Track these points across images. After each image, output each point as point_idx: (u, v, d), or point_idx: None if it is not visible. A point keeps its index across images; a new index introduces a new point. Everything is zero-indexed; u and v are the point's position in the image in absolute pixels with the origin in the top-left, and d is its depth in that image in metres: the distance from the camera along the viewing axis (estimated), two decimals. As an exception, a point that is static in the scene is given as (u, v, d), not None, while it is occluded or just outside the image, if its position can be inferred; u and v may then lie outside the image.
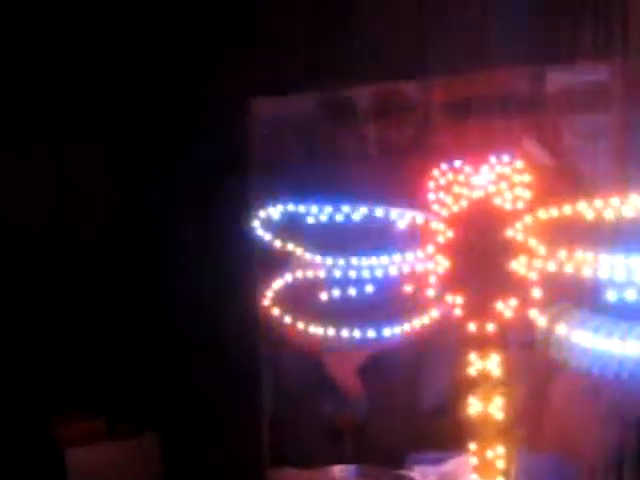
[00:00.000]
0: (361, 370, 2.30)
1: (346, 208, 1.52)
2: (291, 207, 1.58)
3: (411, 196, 1.49)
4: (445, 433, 2.18)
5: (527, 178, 1.37)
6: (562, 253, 1.35)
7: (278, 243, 1.59)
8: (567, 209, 1.34)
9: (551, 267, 1.36)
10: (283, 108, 2.47)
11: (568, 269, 1.34)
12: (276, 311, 1.60)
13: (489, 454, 1.41)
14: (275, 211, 1.59)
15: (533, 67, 2.20)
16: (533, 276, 1.37)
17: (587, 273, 1.33)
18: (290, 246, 1.58)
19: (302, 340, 2.23)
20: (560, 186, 1.65)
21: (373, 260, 1.51)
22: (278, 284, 1.60)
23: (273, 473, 1.74)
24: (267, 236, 1.60)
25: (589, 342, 1.31)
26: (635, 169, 2.25)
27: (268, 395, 1.98)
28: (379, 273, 1.50)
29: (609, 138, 2.33)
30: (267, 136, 2.34)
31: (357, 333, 1.53)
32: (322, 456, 2.01)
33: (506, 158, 1.38)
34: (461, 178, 1.41)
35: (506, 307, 1.38)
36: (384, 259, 1.50)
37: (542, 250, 1.36)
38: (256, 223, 1.61)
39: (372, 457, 1.99)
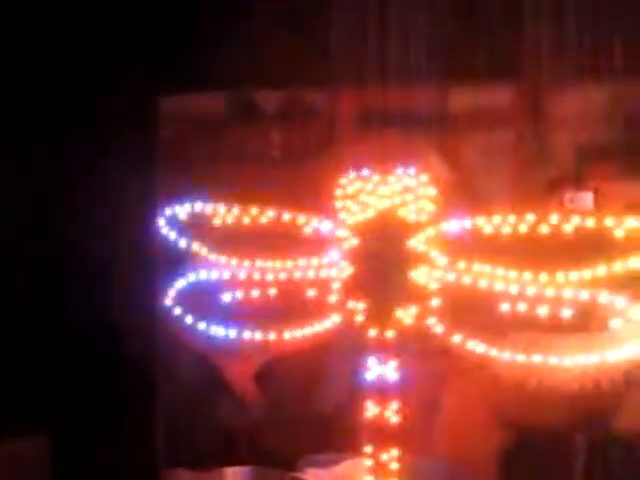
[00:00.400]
0: (257, 375, 2.31)
1: (254, 210, 1.54)
2: (198, 206, 1.57)
3: (316, 202, 1.51)
4: (339, 437, 2.23)
5: (432, 191, 1.42)
6: (461, 265, 1.41)
7: (183, 243, 1.59)
8: (467, 223, 1.41)
9: (450, 278, 1.42)
10: (190, 108, 2.45)
11: (466, 280, 1.41)
12: (177, 311, 1.59)
13: (384, 456, 1.45)
14: (182, 210, 1.58)
15: (435, 84, 2.27)
16: (433, 285, 1.42)
17: (483, 285, 1.39)
18: (195, 246, 1.58)
19: (199, 343, 2.23)
20: (459, 200, 1.71)
21: (278, 263, 1.53)
22: (181, 284, 1.59)
23: (167, 475, 1.72)
24: (172, 235, 1.59)
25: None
26: (532, 185, 2.35)
27: (164, 397, 1.96)
28: (283, 276, 1.52)
29: (507, 154, 2.44)
30: (173, 136, 2.32)
31: (258, 335, 1.54)
32: (216, 459, 2.00)
33: (412, 171, 1.43)
34: (369, 187, 1.45)
35: (406, 315, 1.43)
36: (289, 263, 1.52)
37: (442, 261, 1.42)
38: (161, 222, 1.60)
39: (267, 461, 2.00)
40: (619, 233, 1.30)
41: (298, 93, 2.48)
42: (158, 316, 1.64)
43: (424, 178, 1.42)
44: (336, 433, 2.23)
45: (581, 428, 2.05)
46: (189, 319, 1.58)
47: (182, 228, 1.58)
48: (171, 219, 1.59)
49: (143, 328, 1.68)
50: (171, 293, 1.59)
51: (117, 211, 1.69)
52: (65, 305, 1.75)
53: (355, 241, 1.46)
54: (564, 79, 2.24)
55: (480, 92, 2.34)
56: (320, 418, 2.29)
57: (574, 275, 1.34)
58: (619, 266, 1.31)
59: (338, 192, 1.47)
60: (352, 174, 1.46)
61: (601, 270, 1.32)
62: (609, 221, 1.31)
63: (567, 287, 1.33)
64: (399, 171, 1.43)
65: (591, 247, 1.33)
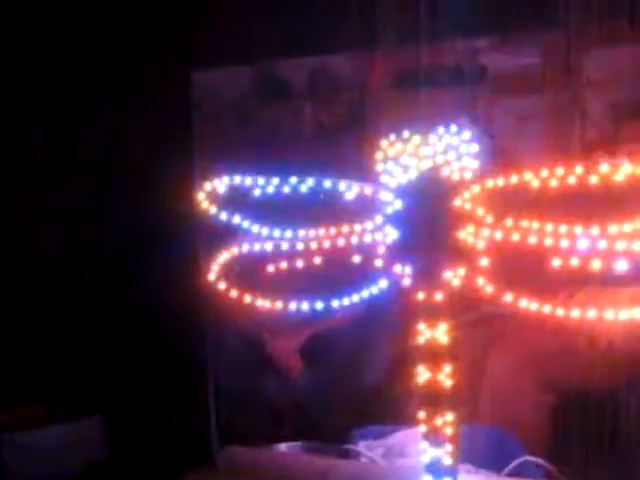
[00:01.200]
0: (303, 349, 2.31)
1: (293, 180, 1.52)
2: (237, 179, 1.56)
3: (355, 169, 1.49)
4: (388, 408, 2.22)
5: (474, 148, 1.39)
6: (508, 222, 1.38)
7: (224, 216, 1.58)
8: (513, 178, 1.37)
9: (498, 236, 1.39)
10: (219, 86, 2.44)
11: (514, 238, 1.38)
12: (222, 285, 1.58)
13: (438, 421, 1.43)
14: (220, 184, 1.57)
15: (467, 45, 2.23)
16: (480, 245, 1.39)
17: (532, 241, 1.37)
18: (236, 219, 1.57)
19: (245, 319, 2.23)
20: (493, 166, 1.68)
21: (321, 232, 1.51)
22: (224, 258, 1.58)
23: (222, 453, 1.72)
24: (212, 209, 1.58)
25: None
26: (566, 148, 2.31)
27: (213, 375, 1.96)
28: (327, 244, 1.50)
29: (542, 119, 2.40)
30: (203, 113, 2.32)
31: (305, 306, 1.53)
32: (264, 436, 2.00)
33: (453, 128, 1.40)
34: (410, 148, 1.42)
35: (454, 276, 1.40)
36: (332, 230, 1.50)
37: (489, 219, 1.39)
38: (201, 196, 1.59)
39: (315, 436, 1.99)
40: (670, 179, 1.27)
41: (325, 67, 2.46)
42: (203, 292, 1.63)
43: (466, 135, 1.39)
44: (383, 405, 2.23)
45: (632, 390, 2.03)
46: (234, 293, 1.57)
47: (222, 202, 1.58)
48: (210, 193, 1.58)
49: (190, 305, 1.67)
50: (215, 267, 1.59)
51: (153, 188, 1.68)
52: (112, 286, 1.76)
53: (399, 204, 1.44)
54: (596, 38, 2.20)
55: (514, 53, 2.30)
56: (367, 390, 2.29)
57: (627, 226, 1.31)
58: (673, 214, 1.28)
59: (378, 155, 1.45)
60: (392, 136, 1.44)
61: (654, 219, 1.29)
62: (660, 167, 1.27)
63: (620, 239, 1.30)
64: (440, 130, 1.41)
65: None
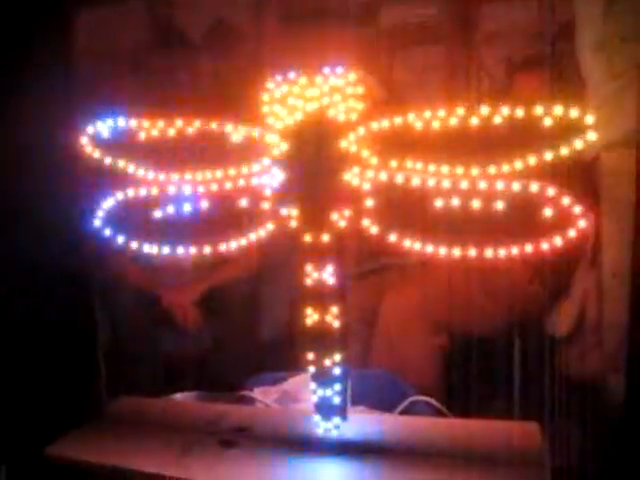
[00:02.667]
0: (199, 303, 2.29)
1: (179, 122, 1.49)
2: (121, 122, 1.52)
3: (243, 110, 1.47)
4: (288, 358, 2.23)
5: (360, 90, 1.39)
6: (393, 163, 1.40)
7: (108, 160, 1.53)
8: (398, 120, 1.39)
9: (383, 177, 1.40)
10: (115, 31, 2.36)
11: (399, 179, 1.39)
12: (108, 232, 1.54)
13: (327, 362, 1.45)
14: (104, 127, 1.52)
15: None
16: (366, 186, 1.40)
17: (416, 183, 1.38)
18: (121, 163, 1.53)
19: (139, 275, 2.19)
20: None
21: (207, 175, 1.49)
22: (109, 204, 1.54)
23: (112, 403, 1.70)
24: (96, 153, 1.54)
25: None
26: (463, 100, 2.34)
27: (104, 330, 1.92)
28: (214, 188, 1.48)
29: (439, 71, 2.42)
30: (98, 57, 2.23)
31: (193, 250, 1.51)
32: (163, 389, 1.98)
33: (339, 70, 1.39)
34: (296, 90, 1.41)
35: (340, 217, 1.41)
36: (219, 173, 1.48)
37: (374, 161, 1.40)
38: (83, 140, 1.54)
39: (213, 388, 1.99)
40: (548, 122, 1.30)
41: (222, 18, 2.41)
42: (89, 240, 1.59)
43: (352, 77, 1.39)
44: (283, 355, 2.25)
45: (517, 332, 2.10)
46: (120, 239, 1.54)
47: (106, 146, 1.53)
48: (93, 137, 1.53)
49: (75, 257, 1.62)
50: (99, 214, 1.55)
51: (35, 132, 1.61)
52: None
53: (285, 146, 1.43)
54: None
55: (410, 6, 2.30)
56: (268, 341, 2.29)
57: (505, 167, 1.34)
58: (549, 155, 1.32)
59: (265, 97, 1.43)
60: (278, 78, 1.42)
61: (532, 160, 1.32)
62: (539, 110, 1.30)
63: (499, 179, 1.34)
64: (326, 71, 1.40)
65: (521, 138, 1.33)
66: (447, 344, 2.03)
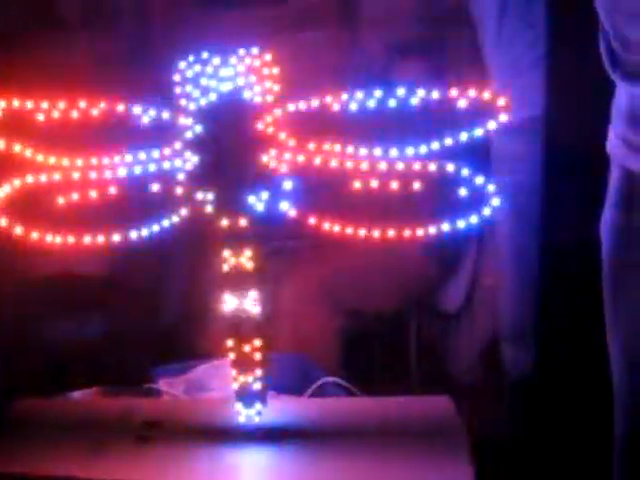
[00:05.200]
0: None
1: (82, 103, 1.41)
2: (16, 103, 1.41)
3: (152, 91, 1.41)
4: (187, 345, 2.18)
5: (276, 71, 1.37)
6: (311, 145, 1.39)
7: (1, 144, 1.43)
8: (315, 102, 1.38)
9: (300, 159, 1.39)
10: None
11: (317, 161, 1.39)
12: (3, 222, 1.44)
13: (246, 348, 1.42)
14: (-5, 107, 1.42)
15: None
16: (283, 168, 1.39)
17: (334, 165, 1.38)
18: (17, 147, 1.42)
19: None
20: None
21: (115, 159, 1.42)
22: (5, 191, 1.44)
23: (15, 405, 1.59)
24: (-14, 138, 1.42)
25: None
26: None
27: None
28: (122, 173, 1.42)
29: (323, 53, 2.42)
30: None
31: (101, 239, 1.43)
32: (55, 386, 1.88)
33: (255, 50, 1.36)
34: (209, 70, 1.37)
35: (258, 200, 1.39)
36: (128, 157, 1.41)
37: (291, 142, 1.38)
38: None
39: (110, 381, 1.91)
40: (462, 103, 1.34)
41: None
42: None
43: (268, 57, 1.36)
44: (185, 341, 2.20)
45: (412, 311, 2.17)
46: (19, 229, 1.44)
47: None
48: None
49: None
50: (-6, 202, 1.44)
51: None
52: None
53: (198, 128, 1.38)
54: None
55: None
56: (166, 327, 2.23)
57: (423, 148, 1.36)
58: (464, 136, 1.35)
59: (177, 77, 1.38)
60: (191, 58, 1.37)
61: (448, 141, 1.35)
62: (454, 92, 1.33)
63: (416, 161, 1.36)
64: (241, 52, 1.36)
65: (437, 119, 1.36)
66: (347, 325, 2.06)
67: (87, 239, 1.43)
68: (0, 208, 1.42)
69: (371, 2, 2.36)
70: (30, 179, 1.43)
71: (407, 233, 1.37)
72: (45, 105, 1.39)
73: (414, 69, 2.21)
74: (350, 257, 2.02)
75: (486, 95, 1.33)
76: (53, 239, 1.43)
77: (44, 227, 1.43)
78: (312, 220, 1.39)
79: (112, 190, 1.41)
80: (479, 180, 1.35)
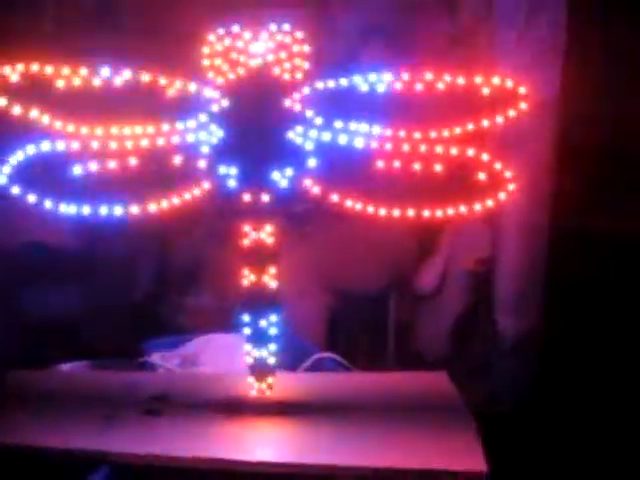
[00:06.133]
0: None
1: (106, 72, 1.38)
2: (35, 67, 1.37)
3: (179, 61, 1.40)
4: (162, 321, 2.17)
5: (307, 49, 1.37)
6: (338, 123, 1.40)
7: (17, 110, 1.38)
8: (344, 82, 1.39)
9: (326, 137, 1.40)
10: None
11: (342, 140, 1.40)
12: (16, 190, 1.40)
13: (262, 323, 1.44)
14: (13, 72, 1.37)
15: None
16: (309, 146, 1.40)
17: (359, 144, 1.41)
18: (34, 113, 1.38)
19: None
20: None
21: (137, 130, 1.40)
22: (18, 158, 1.40)
23: (6, 376, 1.55)
24: (1, 101, 1.38)
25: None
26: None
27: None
28: (144, 144, 1.40)
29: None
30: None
31: (119, 210, 1.41)
32: (34, 359, 1.83)
33: (286, 27, 1.37)
34: (239, 44, 1.36)
35: (282, 177, 1.40)
36: (150, 129, 1.40)
37: (318, 121, 1.40)
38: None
39: (91, 354, 1.88)
40: (486, 91, 1.38)
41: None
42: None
43: (299, 35, 1.37)
44: (159, 316, 2.18)
45: (391, 289, 2.22)
46: (32, 198, 1.40)
47: (15, 93, 1.38)
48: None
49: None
50: (5, 170, 1.39)
51: None
52: None
53: (225, 102, 1.38)
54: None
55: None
56: (139, 303, 2.21)
57: (445, 132, 1.40)
58: (486, 122, 1.40)
59: (205, 50, 1.37)
60: (220, 30, 1.36)
61: (470, 127, 1.40)
62: (478, 79, 1.38)
63: (439, 144, 1.40)
64: (272, 27, 1.37)
65: (461, 105, 1.40)
66: (335, 302, 2.09)
67: (104, 210, 1.41)
68: (13, 175, 1.39)
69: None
70: (46, 146, 1.39)
71: (426, 214, 1.41)
72: (66, 71, 1.37)
73: (381, 52, 2.23)
74: (338, 236, 2.05)
75: (508, 84, 1.38)
76: (67, 209, 1.41)
77: (58, 196, 1.40)
78: (335, 197, 1.41)
79: (132, 161, 1.39)
80: (497, 165, 1.40)
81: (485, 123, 1.39)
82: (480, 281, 2.13)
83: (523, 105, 1.38)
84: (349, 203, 1.41)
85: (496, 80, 1.37)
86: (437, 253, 2.23)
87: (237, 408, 1.47)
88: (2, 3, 2.10)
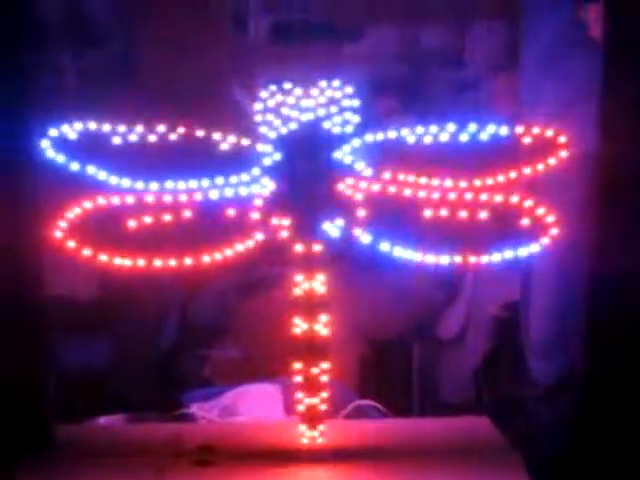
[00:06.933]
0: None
1: (161, 127, 1.42)
2: (92, 125, 1.41)
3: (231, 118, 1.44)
4: (189, 374, 2.17)
5: (356, 103, 1.43)
6: (386, 175, 1.45)
7: (75, 166, 1.41)
8: (391, 134, 1.44)
9: (375, 188, 1.45)
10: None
11: (391, 190, 1.45)
12: (71, 244, 1.42)
13: (314, 370, 1.46)
14: (70, 129, 1.41)
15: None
16: (358, 197, 1.44)
17: (407, 194, 1.45)
18: (90, 169, 1.42)
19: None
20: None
21: (192, 183, 1.44)
22: (74, 213, 1.42)
23: (61, 429, 1.55)
24: (60, 158, 1.41)
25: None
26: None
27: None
28: (198, 197, 1.43)
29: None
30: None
31: (173, 262, 1.44)
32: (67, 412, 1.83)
33: (336, 82, 1.42)
34: (291, 100, 1.41)
35: (333, 227, 1.44)
36: (204, 182, 1.43)
37: (368, 172, 1.44)
38: (45, 144, 1.41)
39: (122, 407, 1.88)
40: (527, 140, 1.44)
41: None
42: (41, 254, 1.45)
43: (349, 90, 1.42)
44: (185, 369, 2.18)
45: (415, 336, 2.24)
46: (87, 251, 1.42)
47: (72, 150, 1.41)
48: (57, 140, 1.40)
49: (25, 272, 1.47)
50: (62, 224, 1.42)
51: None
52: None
53: (277, 155, 1.42)
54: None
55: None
56: (163, 354, 2.21)
57: (489, 180, 1.45)
58: (527, 170, 1.45)
59: (258, 106, 1.42)
60: (273, 87, 1.41)
61: (513, 174, 1.45)
62: (519, 129, 1.43)
63: (483, 192, 1.44)
64: (322, 83, 1.42)
65: (504, 154, 1.45)
66: (365, 350, 2.11)
67: (158, 263, 1.44)
68: (69, 230, 1.41)
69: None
70: (101, 201, 1.42)
71: (472, 260, 1.46)
72: (122, 129, 1.41)
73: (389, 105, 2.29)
74: (368, 286, 2.08)
75: (549, 133, 1.44)
76: (122, 262, 1.43)
77: (113, 250, 1.43)
78: (385, 246, 1.45)
79: (186, 214, 1.43)
80: (540, 210, 1.45)
81: (527, 171, 1.45)
82: (505, 326, 2.16)
83: (563, 153, 1.44)
84: (398, 251, 1.45)
85: (536, 130, 1.43)
86: (460, 299, 2.27)
87: (288, 456, 1.48)
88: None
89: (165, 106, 1.81)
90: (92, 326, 2.17)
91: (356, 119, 1.43)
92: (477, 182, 1.45)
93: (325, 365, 1.47)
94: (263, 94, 1.41)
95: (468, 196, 1.44)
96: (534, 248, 1.46)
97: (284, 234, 1.44)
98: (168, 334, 2.30)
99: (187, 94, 1.96)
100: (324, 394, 1.47)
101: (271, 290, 2.20)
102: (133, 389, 2.12)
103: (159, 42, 2.14)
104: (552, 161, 1.45)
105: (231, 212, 1.43)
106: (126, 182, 1.42)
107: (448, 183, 1.44)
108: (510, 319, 2.15)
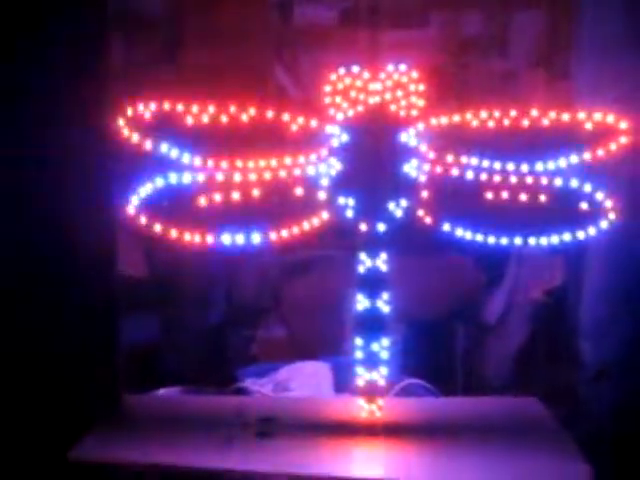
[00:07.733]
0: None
1: (233, 108, 1.46)
2: (166, 105, 1.46)
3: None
4: (239, 348, 2.22)
5: (422, 87, 1.46)
6: (449, 157, 1.49)
7: (149, 144, 1.46)
8: (456, 118, 1.48)
9: (438, 170, 1.49)
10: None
11: (454, 172, 1.49)
12: (143, 220, 1.47)
13: (375, 347, 1.50)
14: (146, 109, 1.46)
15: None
16: (422, 178, 1.48)
17: (470, 176, 1.49)
18: (164, 148, 1.47)
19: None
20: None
21: (261, 162, 1.48)
22: (146, 190, 1.47)
23: (126, 398, 1.61)
24: (135, 137, 1.46)
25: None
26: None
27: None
28: (267, 176, 1.48)
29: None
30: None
31: (240, 238, 1.49)
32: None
33: (403, 67, 1.46)
34: (359, 83, 1.45)
35: (397, 208, 1.48)
36: (273, 162, 1.48)
37: (431, 154, 1.48)
38: (121, 122, 1.46)
39: (178, 380, 1.94)
40: (589, 126, 1.47)
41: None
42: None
43: (415, 75, 1.46)
44: (234, 344, 2.24)
45: (459, 319, 2.28)
46: (158, 227, 1.48)
47: (146, 129, 1.46)
48: (133, 119, 1.45)
49: (98, 250, 1.53)
50: (135, 200, 1.47)
51: (62, 114, 1.49)
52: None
53: (345, 137, 1.47)
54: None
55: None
56: (214, 329, 2.26)
57: (551, 164, 1.49)
58: (588, 155, 1.48)
59: (327, 88, 1.46)
60: (341, 70, 1.46)
61: (573, 159, 1.48)
62: (581, 115, 1.47)
63: (544, 175, 1.48)
64: (390, 68, 1.46)
65: (564, 139, 1.48)
66: (407, 331, 2.15)
67: (226, 239, 1.49)
68: (141, 206, 1.46)
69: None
70: (173, 178, 1.47)
71: (532, 241, 1.49)
72: (195, 109, 1.45)
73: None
74: (413, 267, 2.12)
75: (609, 118, 1.47)
76: (192, 238, 1.48)
77: (184, 226, 1.48)
78: (446, 227, 1.49)
79: (255, 192, 1.47)
80: (599, 196, 1.49)
81: (587, 156, 1.48)
82: (549, 310, 2.20)
83: (623, 139, 1.47)
84: (459, 232, 1.49)
85: (598, 116, 1.46)
86: (503, 284, 2.31)
87: (347, 429, 1.53)
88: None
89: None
90: (144, 303, 2.23)
91: (421, 103, 1.47)
92: (538, 166, 1.48)
93: (385, 341, 1.51)
94: (331, 77, 1.45)
95: (529, 180, 1.49)
96: (592, 231, 1.50)
97: (349, 213, 1.48)
98: (215, 313, 2.37)
99: (233, 82, 2.01)
100: (383, 370, 1.52)
101: (314, 272, 2.25)
102: (186, 364, 2.18)
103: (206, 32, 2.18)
104: (613, 147, 1.49)
105: (299, 191, 1.48)
106: (197, 161, 1.47)
107: (510, 166, 1.48)
108: (554, 304, 2.19)
